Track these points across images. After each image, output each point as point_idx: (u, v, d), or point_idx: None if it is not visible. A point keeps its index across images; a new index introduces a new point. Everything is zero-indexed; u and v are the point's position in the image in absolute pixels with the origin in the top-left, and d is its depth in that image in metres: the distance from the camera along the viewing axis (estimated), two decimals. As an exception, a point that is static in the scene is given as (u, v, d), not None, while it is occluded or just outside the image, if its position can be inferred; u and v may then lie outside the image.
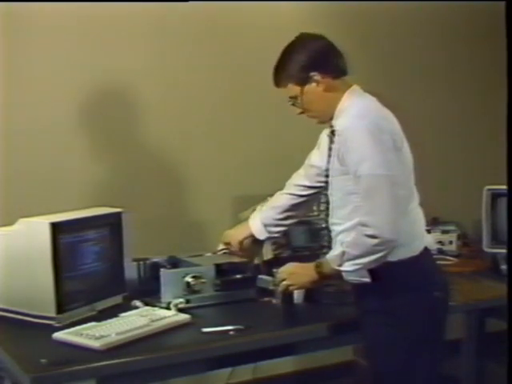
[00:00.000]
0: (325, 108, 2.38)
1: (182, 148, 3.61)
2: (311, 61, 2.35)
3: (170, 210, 3.53)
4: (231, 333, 2.33)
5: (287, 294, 2.52)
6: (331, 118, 2.39)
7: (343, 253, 2.27)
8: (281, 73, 2.39)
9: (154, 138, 3.54)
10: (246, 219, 3.16)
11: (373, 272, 2.28)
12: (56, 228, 2.37)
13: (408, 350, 2.30)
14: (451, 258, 3.39)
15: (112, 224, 2.65)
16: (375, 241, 2.20)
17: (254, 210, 3.13)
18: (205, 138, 3.64)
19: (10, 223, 2.48)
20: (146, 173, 3.52)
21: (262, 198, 3.13)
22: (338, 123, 2.35)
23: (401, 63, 4.06)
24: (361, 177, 2.23)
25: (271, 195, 3.10)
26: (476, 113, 4.40)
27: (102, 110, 3.39)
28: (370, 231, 2.20)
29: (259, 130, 3.76)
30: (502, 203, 3.23)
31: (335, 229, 2.41)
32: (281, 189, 2.80)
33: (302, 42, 2.40)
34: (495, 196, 3.33)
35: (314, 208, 3.17)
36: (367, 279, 2.28)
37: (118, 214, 2.67)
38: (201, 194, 3.65)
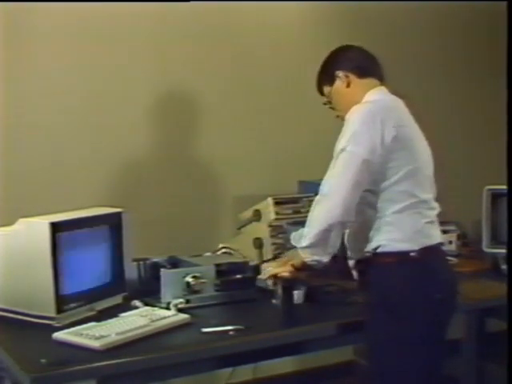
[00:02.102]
0: (348, 105, 2.42)
1: (182, 148, 3.61)
2: (336, 61, 2.52)
3: (170, 210, 3.52)
4: (231, 333, 2.33)
5: (287, 294, 2.53)
6: None
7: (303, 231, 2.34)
8: (318, 79, 2.57)
9: (153, 138, 3.54)
10: (246, 219, 3.17)
11: (369, 261, 2.32)
12: (56, 228, 2.37)
13: (407, 349, 2.30)
14: (451, 258, 3.36)
15: (112, 224, 2.64)
16: (320, 208, 2.27)
17: (254, 209, 3.13)
18: (204, 138, 3.64)
19: (10, 223, 2.48)
20: (146, 173, 3.52)
21: (262, 198, 3.14)
22: None
23: (400, 64, 4.05)
24: (342, 150, 2.29)
25: (271, 195, 3.11)
26: (476, 113, 4.40)
27: (101, 110, 3.39)
28: (318, 197, 2.29)
29: (260, 131, 3.76)
30: (502, 203, 3.22)
31: None
32: (281, 189, 2.80)
33: (335, 50, 2.57)
34: (495, 196, 3.33)
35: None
36: (323, 258, 2.31)
37: (118, 214, 2.67)
38: (201, 194, 3.65)
